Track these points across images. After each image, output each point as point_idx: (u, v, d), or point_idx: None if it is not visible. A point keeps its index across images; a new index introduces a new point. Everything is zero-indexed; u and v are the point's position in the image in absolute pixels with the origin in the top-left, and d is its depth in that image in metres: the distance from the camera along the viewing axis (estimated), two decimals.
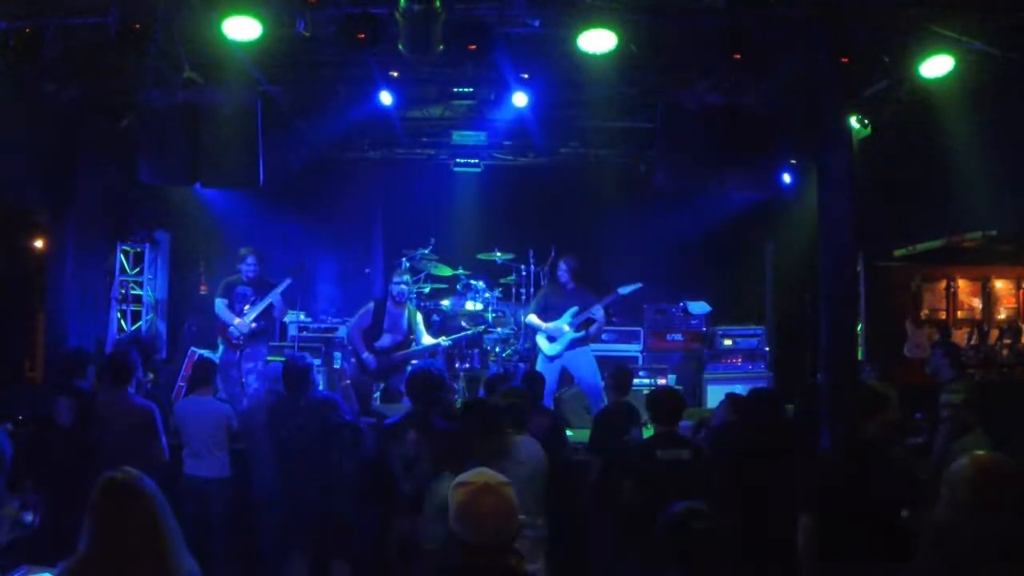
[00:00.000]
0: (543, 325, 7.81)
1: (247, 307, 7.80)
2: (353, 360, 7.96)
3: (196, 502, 5.76)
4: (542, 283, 9.79)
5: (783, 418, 5.05)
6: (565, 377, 8.09)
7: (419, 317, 8.15)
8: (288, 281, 7.85)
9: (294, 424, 5.17)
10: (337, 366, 8.68)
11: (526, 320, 8.11)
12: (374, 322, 7.79)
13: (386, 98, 8.26)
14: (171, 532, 2.54)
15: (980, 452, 2.74)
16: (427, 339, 8.00)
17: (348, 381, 5.71)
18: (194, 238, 10.19)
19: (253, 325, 7.77)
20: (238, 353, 7.75)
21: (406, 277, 8.10)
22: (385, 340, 7.79)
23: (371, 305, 7.93)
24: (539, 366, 7.84)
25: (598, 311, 7.76)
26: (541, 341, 7.90)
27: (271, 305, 7.85)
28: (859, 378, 6.09)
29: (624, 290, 7.84)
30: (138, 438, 5.42)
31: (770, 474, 4.72)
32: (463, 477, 2.59)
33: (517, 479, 4.45)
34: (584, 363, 7.83)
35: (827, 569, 3.74)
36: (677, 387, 8.26)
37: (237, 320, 7.73)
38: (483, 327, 9.01)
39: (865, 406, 4.04)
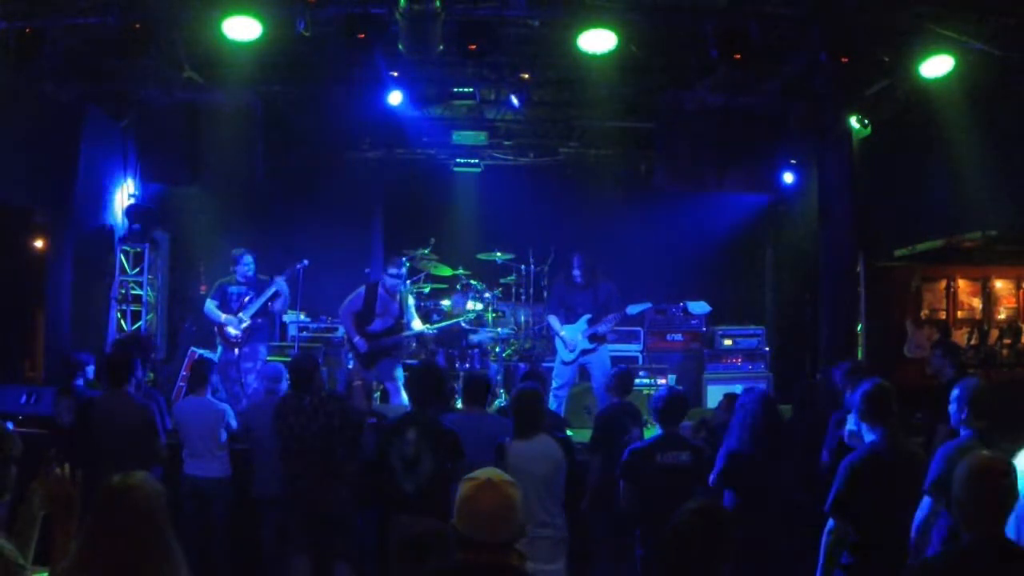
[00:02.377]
0: (561, 331, 7.78)
1: (245, 302, 7.77)
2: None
3: (196, 502, 5.77)
4: (542, 283, 9.79)
5: (779, 418, 5.03)
6: (583, 374, 8.09)
7: (411, 300, 8.15)
8: (282, 279, 7.79)
9: (298, 423, 5.16)
10: (351, 366, 8.67)
11: (547, 319, 8.06)
12: (366, 306, 7.78)
13: (395, 98, 8.23)
14: (165, 545, 2.50)
15: (981, 452, 2.74)
16: (417, 323, 8.01)
17: (359, 382, 5.71)
18: (194, 238, 10.18)
19: (248, 322, 7.74)
20: (236, 352, 7.73)
21: (403, 270, 8.08)
22: (376, 324, 7.78)
23: (362, 289, 7.90)
24: (556, 364, 7.86)
25: (605, 329, 7.73)
26: (559, 343, 7.88)
27: (271, 300, 7.81)
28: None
29: (632, 310, 7.78)
30: (137, 437, 5.42)
31: (767, 474, 4.73)
32: (470, 473, 2.59)
33: (536, 477, 4.50)
34: (598, 366, 7.77)
35: (854, 570, 3.72)
36: (678, 387, 8.24)
37: (224, 316, 7.70)
38: (463, 315, 9.00)
39: (888, 407, 3.98)
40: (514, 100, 8.34)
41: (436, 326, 8.53)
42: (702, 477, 4.81)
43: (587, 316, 7.67)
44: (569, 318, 7.77)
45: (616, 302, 7.68)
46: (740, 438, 4.83)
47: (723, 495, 4.86)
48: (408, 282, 8.42)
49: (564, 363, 7.79)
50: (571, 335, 7.69)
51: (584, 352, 7.71)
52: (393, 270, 7.79)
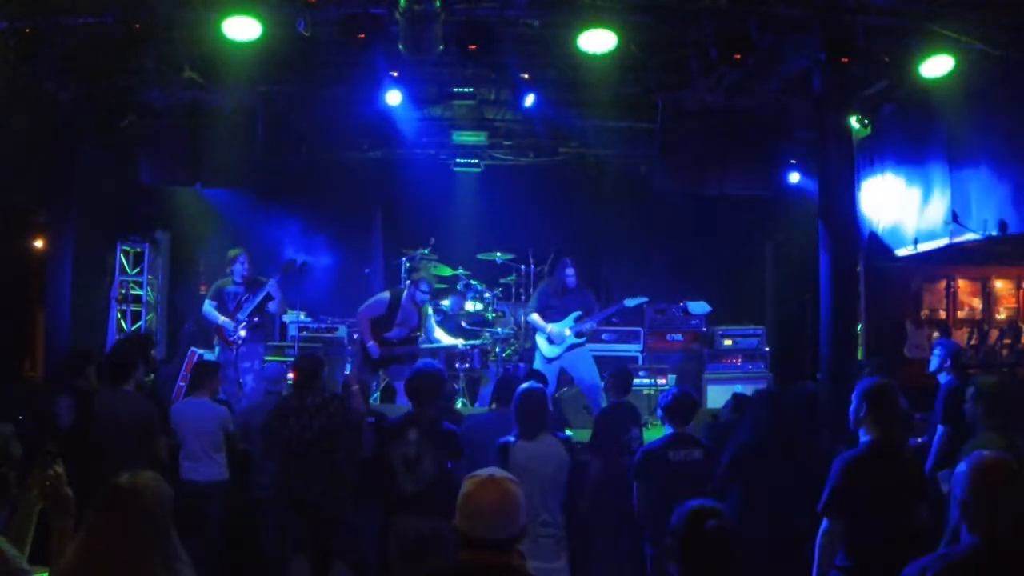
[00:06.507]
0: (547, 327, 7.80)
1: (241, 302, 7.77)
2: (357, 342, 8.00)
3: (193, 505, 5.71)
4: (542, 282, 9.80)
5: (787, 418, 5.04)
6: (564, 377, 8.10)
7: (429, 310, 8.19)
8: (275, 279, 7.77)
9: (299, 423, 5.15)
10: (348, 371, 8.67)
11: (528, 318, 8.09)
12: (388, 314, 7.78)
13: (395, 97, 8.22)
14: (170, 545, 2.50)
15: (984, 452, 2.73)
16: (442, 336, 8.05)
17: (358, 385, 5.70)
18: (194, 238, 10.18)
19: (246, 323, 7.73)
20: (234, 352, 7.72)
21: (433, 287, 8.15)
22: (395, 332, 7.80)
23: (387, 296, 7.89)
24: (537, 365, 7.84)
25: (593, 325, 7.84)
26: (541, 342, 7.89)
27: (266, 302, 7.80)
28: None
29: (630, 303, 7.86)
30: (137, 437, 5.40)
31: (779, 472, 4.72)
32: (473, 472, 2.59)
33: (541, 477, 4.50)
34: (583, 363, 7.84)
35: (849, 571, 3.71)
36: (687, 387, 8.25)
37: (222, 319, 7.70)
38: (487, 333, 9.05)
39: (885, 405, 3.96)
40: (527, 101, 8.25)
41: (469, 343, 8.56)
42: (714, 475, 4.82)
43: (576, 313, 7.74)
44: (553, 318, 7.83)
45: (597, 307, 7.91)
46: (751, 433, 4.84)
47: (730, 492, 4.86)
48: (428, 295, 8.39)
49: (547, 360, 7.81)
50: (558, 330, 7.75)
51: (570, 347, 7.77)
52: (425, 286, 7.86)
